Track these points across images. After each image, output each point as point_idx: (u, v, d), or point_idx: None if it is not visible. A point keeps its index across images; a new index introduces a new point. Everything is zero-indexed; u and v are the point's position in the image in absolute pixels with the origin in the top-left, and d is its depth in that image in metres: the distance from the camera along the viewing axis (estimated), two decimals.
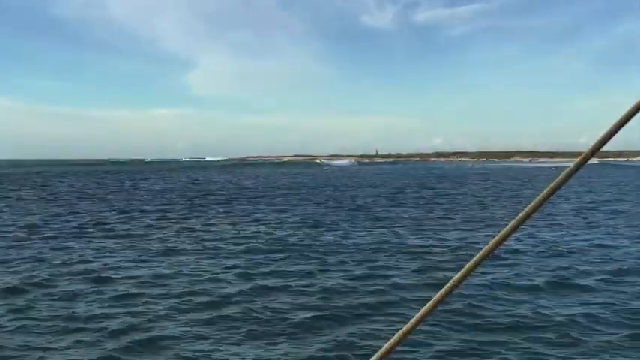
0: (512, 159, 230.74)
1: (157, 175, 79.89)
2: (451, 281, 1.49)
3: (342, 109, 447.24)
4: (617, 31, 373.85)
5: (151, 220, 23.58)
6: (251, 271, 12.88)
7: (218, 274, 12.74)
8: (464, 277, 1.48)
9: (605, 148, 1.27)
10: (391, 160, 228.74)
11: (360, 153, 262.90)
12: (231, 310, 9.75)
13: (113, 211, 27.58)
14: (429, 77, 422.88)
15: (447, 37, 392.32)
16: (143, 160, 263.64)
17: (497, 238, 1.41)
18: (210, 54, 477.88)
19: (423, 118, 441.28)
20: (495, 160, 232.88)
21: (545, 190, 1.34)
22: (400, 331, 1.58)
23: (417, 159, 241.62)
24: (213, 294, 10.83)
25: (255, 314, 9.51)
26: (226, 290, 11.10)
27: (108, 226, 21.48)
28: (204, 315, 9.40)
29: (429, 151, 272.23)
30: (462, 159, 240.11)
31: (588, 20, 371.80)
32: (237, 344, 8.05)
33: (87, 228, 20.97)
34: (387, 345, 1.58)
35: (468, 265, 1.45)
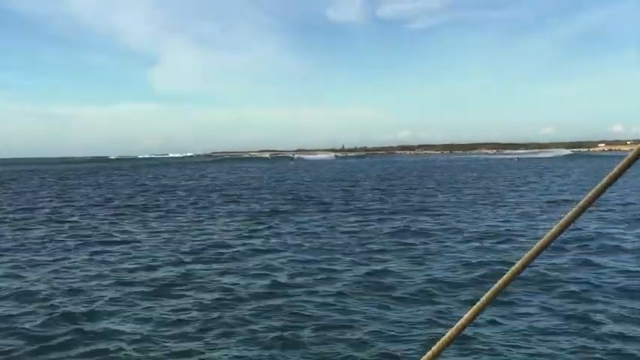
0: (477, 150, 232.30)
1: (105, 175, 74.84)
2: (506, 275, 1.44)
3: (309, 102, 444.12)
4: (581, 22, 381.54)
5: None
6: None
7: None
8: (521, 268, 1.43)
9: None
10: (360, 153, 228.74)
11: (327, 147, 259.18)
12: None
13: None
14: (395, 69, 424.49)
15: (413, 30, 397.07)
16: (107, 157, 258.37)
17: (554, 230, 1.37)
18: (174, 48, 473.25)
19: (389, 110, 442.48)
20: (460, 152, 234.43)
21: (604, 180, 1.29)
22: (453, 328, 1.52)
23: (383, 152, 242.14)
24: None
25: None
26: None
27: None
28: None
29: (395, 144, 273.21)
30: (427, 152, 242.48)
31: (552, 11, 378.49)
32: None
33: None
34: (438, 344, 1.52)
35: (524, 258, 1.42)
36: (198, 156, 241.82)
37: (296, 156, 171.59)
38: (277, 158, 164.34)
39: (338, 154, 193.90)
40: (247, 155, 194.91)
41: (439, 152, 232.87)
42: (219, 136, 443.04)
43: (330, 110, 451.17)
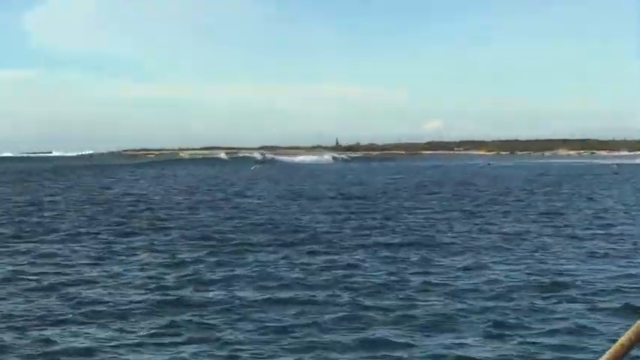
0: (551, 152, 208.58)
1: None
2: None
3: (280, 75, 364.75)
4: None
5: None
6: None
7: None
8: None
9: None
10: (366, 154, 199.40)
11: (311, 143, 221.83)
12: None
13: None
14: (420, 28, 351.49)
15: None
16: None
17: None
18: None
19: (410, 89, 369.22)
20: (523, 152, 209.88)
21: None
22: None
23: (402, 152, 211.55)
24: None
25: None
26: None
27: None
28: None
29: (420, 140, 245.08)
30: (471, 152, 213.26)
31: None
32: None
33: None
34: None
35: None
36: (102, 155, 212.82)
37: (268, 155, 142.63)
38: (237, 159, 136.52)
39: (336, 154, 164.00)
40: (186, 155, 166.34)
41: (491, 153, 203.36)
42: (132, 124, 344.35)
43: (316, 87, 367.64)
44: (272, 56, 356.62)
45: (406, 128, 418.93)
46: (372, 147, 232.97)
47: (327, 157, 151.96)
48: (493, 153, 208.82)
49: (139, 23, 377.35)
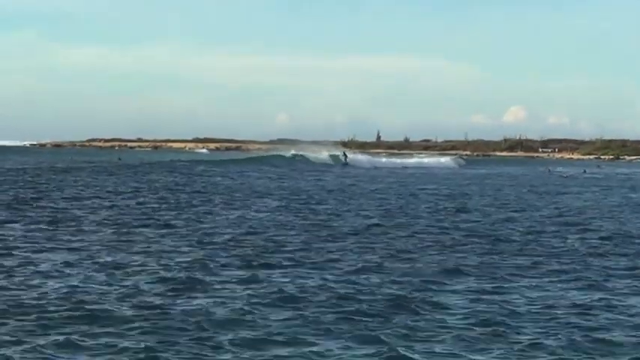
0: None
1: None
2: None
3: (300, 43, 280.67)
4: None
5: None
6: None
7: None
8: None
9: None
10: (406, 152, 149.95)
11: (335, 137, 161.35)
12: None
13: None
14: None
15: None
16: None
17: None
18: None
19: (481, 64, 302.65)
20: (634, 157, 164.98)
21: None
22: None
23: (479, 155, 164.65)
24: None
25: None
26: None
27: None
28: None
29: (494, 135, 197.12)
30: (562, 154, 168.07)
31: None
32: None
33: None
34: None
35: None
36: (54, 148, 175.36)
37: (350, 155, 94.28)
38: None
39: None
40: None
41: (588, 157, 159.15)
42: (102, 103, 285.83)
43: (348, 58, 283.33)
44: (292, 18, 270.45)
45: (475, 118, 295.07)
46: (426, 144, 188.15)
47: (445, 159, 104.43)
48: (592, 157, 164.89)
49: None
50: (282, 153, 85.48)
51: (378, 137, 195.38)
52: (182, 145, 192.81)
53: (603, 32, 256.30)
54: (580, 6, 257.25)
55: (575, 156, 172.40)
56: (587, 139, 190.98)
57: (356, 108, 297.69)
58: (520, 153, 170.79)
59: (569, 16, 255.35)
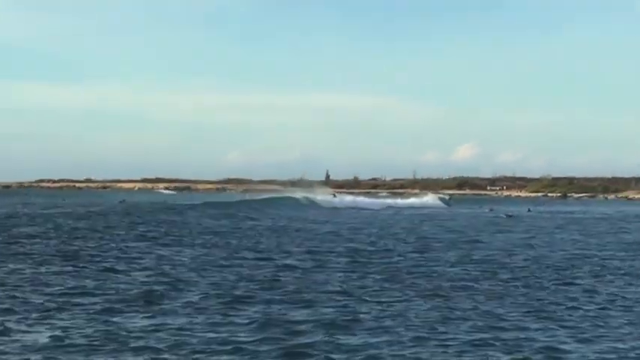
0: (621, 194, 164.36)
1: None
2: None
3: (250, 81, 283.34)
4: None
5: None
6: None
7: None
8: None
9: None
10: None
11: (285, 177, 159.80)
12: None
13: None
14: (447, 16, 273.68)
15: None
16: None
17: None
18: None
19: (444, 100, 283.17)
20: (581, 194, 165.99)
21: None
22: None
23: (417, 190, 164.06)
24: None
25: None
26: None
27: None
28: None
29: (444, 173, 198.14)
30: (511, 192, 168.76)
31: None
32: None
33: None
34: None
35: None
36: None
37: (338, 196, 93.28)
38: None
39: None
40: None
41: (535, 194, 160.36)
42: (50, 144, 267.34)
43: (284, 96, 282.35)
44: (243, 56, 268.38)
45: (426, 156, 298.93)
46: (387, 184, 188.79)
47: (429, 198, 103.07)
48: (539, 194, 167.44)
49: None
50: (290, 195, 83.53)
51: (327, 176, 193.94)
52: (132, 185, 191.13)
53: (555, 68, 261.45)
54: (530, 42, 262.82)
55: (523, 194, 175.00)
56: (537, 176, 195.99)
57: (307, 146, 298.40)
58: (468, 191, 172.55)
59: (521, 52, 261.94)
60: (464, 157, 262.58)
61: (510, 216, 61.92)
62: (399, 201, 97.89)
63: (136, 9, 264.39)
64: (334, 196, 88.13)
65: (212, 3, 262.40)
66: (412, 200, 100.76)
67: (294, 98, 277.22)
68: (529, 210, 77.75)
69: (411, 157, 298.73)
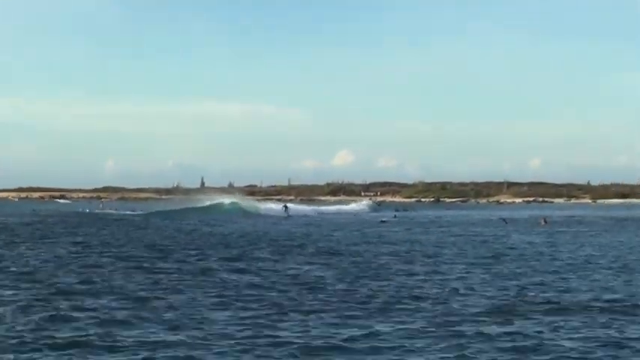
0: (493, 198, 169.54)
1: None
2: None
3: (123, 87, 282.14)
4: None
5: None
6: None
7: None
8: None
9: None
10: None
11: (160, 184, 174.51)
12: None
13: None
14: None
15: None
16: None
17: None
18: None
19: (321, 108, 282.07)
20: (454, 199, 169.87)
21: None
22: None
23: (292, 197, 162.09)
24: None
25: None
26: None
27: None
28: None
29: (322, 178, 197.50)
30: (386, 197, 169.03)
31: None
32: None
33: None
34: None
35: None
36: None
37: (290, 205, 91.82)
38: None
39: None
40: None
41: (410, 199, 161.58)
42: None
43: (164, 105, 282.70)
44: (116, 60, 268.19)
45: (304, 162, 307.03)
46: (251, 189, 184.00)
47: (356, 205, 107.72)
48: (412, 200, 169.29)
49: None
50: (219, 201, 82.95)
51: (202, 183, 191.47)
52: (5, 194, 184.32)
53: (433, 75, 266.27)
54: (408, 50, 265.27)
55: (398, 199, 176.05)
56: (411, 182, 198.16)
57: (182, 154, 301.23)
58: (343, 197, 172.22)
59: (398, 60, 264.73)
60: (341, 163, 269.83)
61: (384, 221, 60.52)
62: (330, 208, 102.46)
63: (9, 21, 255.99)
64: (286, 207, 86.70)
65: (80, 11, 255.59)
66: (339, 207, 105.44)
67: (170, 106, 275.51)
68: (395, 216, 76.69)
69: (287, 164, 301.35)
